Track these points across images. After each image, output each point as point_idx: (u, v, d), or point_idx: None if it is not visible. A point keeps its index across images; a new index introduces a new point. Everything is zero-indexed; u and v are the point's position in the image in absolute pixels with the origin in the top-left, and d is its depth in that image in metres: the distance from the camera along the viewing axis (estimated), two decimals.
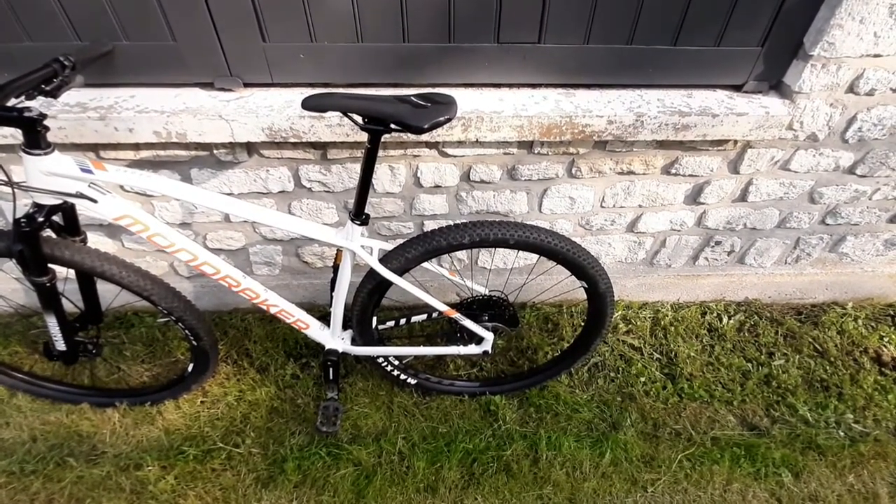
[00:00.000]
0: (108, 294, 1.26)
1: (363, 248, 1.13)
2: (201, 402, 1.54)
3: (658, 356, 1.75)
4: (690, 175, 1.49)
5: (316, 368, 1.64)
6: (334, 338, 1.38)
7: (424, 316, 1.43)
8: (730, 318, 1.87)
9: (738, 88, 1.38)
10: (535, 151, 1.40)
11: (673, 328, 1.82)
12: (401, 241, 1.17)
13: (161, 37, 1.16)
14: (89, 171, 0.94)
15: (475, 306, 1.35)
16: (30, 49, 1.18)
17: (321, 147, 1.34)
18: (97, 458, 1.39)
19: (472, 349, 1.36)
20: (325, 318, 1.39)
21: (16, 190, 0.91)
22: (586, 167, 1.45)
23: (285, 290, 1.69)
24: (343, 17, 1.16)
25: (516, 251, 1.68)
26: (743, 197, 1.58)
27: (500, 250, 1.69)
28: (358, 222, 1.08)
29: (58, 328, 1.18)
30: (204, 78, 1.25)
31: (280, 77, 1.26)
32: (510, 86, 1.36)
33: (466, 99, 1.29)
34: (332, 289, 1.29)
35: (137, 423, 1.48)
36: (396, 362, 1.49)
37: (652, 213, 1.61)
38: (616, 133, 1.30)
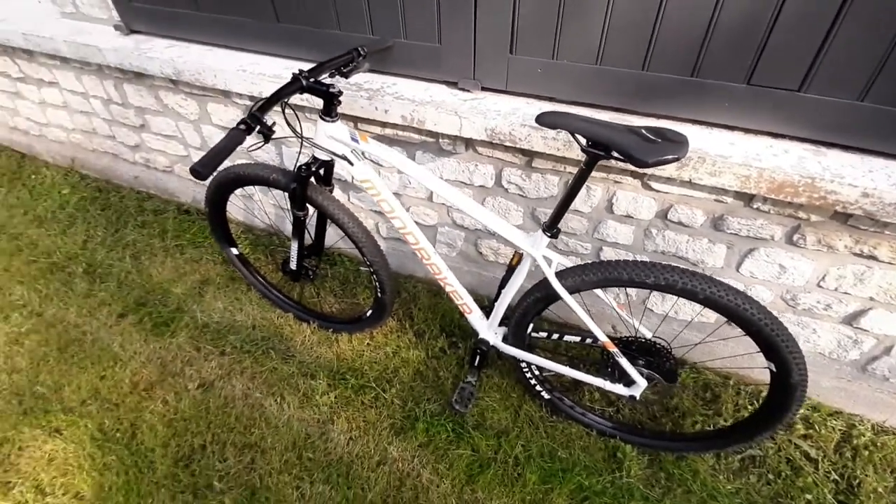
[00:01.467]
0: (332, 235, 1.57)
1: (544, 259, 1.19)
2: (367, 343, 1.81)
3: (836, 478, 1.45)
4: None
5: (462, 350, 1.78)
6: (489, 330, 1.48)
7: (578, 338, 1.43)
8: None
9: None
10: (754, 206, 1.27)
11: (867, 453, 1.48)
12: (576, 258, 1.20)
13: (431, 39, 1.38)
14: (356, 141, 1.19)
15: (634, 347, 1.31)
16: (335, 36, 1.52)
17: (529, 154, 1.44)
18: (288, 358, 1.76)
19: (620, 389, 1.33)
20: (485, 308, 1.50)
21: (304, 143, 1.20)
22: (813, 237, 1.26)
23: (455, 272, 1.86)
24: (590, 40, 1.22)
25: (701, 307, 1.55)
26: None
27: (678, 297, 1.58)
28: (549, 234, 1.15)
29: (297, 252, 1.53)
30: (451, 77, 1.45)
31: (513, 86, 1.39)
32: (746, 130, 1.26)
33: (692, 136, 1.23)
34: (501, 285, 1.39)
35: (320, 342, 1.82)
36: (537, 372, 1.53)
37: (885, 311, 1.32)
38: (869, 209, 1.11)
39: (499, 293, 1.42)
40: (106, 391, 1.65)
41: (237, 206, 2.27)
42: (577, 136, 1.00)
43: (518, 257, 1.36)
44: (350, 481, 1.43)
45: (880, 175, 1.11)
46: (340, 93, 1.13)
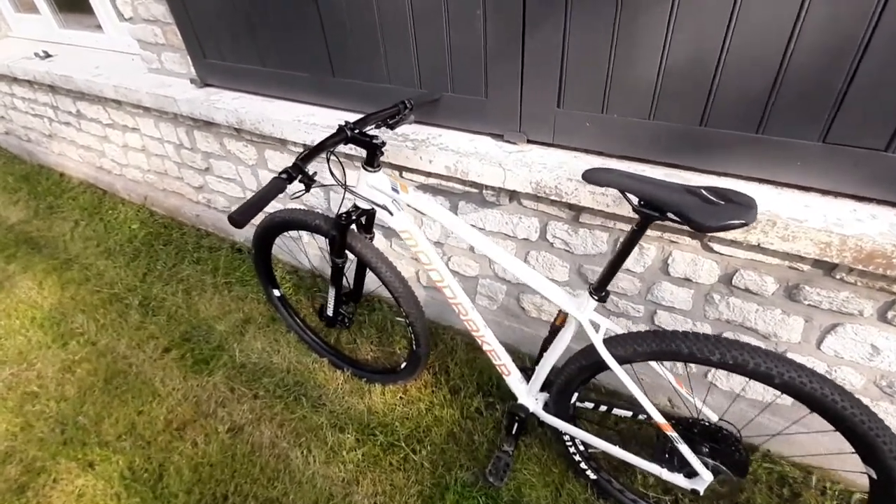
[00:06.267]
0: (373, 280, 1.54)
1: (591, 323, 1.09)
2: (400, 397, 1.74)
3: None
4: None
5: (500, 412, 1.66)
6: (529, 395, 1.37)
7: (630, 413, 1.28)
8: None
9: None
10: (837, 276, 1.12)
11: None
12: (627, 321, 1.09)
13: (477, 93, 1.38)
14: (397, 191, 1.18)
15: (696, 430, 1.14)
16: (386, 90, 1.56)
17: (576, 209, 1.36)
18: (319, 406, 1.71)
19: (679, 480, 1.16)
20: (525, 371, 1.40)
21: (347, 192, 1.20)
22: None
23: (495, 327, 1.78)
24: (641, 94, 1.17)
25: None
26: None
27: None
28: (596, 297, 1.05)
29: (334, 298, 1.51)
30: (496, 130, 1.43)
31: (560, 139, 1.34)
32: (823, 191, 1.13)
33: (759, 195, 1.12)
34: (544, 347, 1.29)
35: (353, 391, 1.77)
36: (581, 447, 1.39)
37: None
38: None
39: (540, 355, 1.32)
40: (141, 427, 1.67)
41: (284, 247, 2.33)
42: (627, 194, 0.93)
43: (562, 318, 1.27)
44: None
45: None
46: (383, 144, 1.13)
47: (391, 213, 1.21)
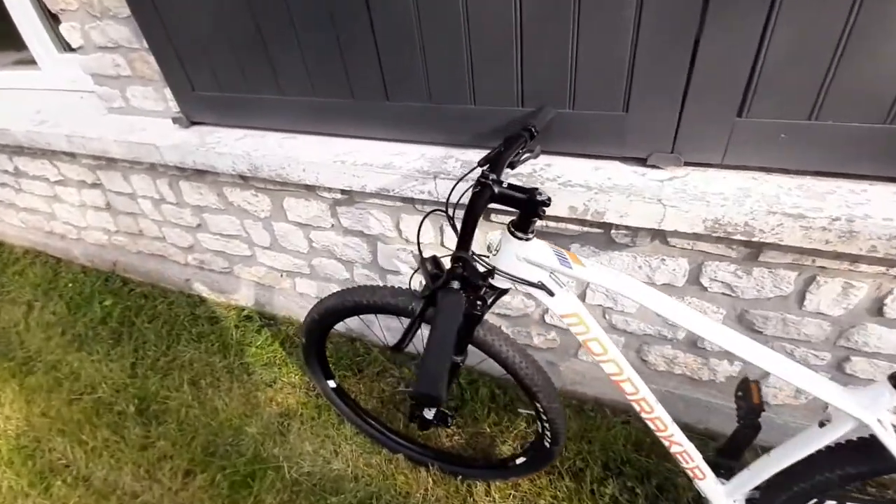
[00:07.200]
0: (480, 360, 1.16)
1: (879, 423, 0.76)
2: (511, 495, 1.37)
3: None
4: None
5: (642, 497, 1.32)
6: (727, 498, 1.03)
7: None
8: None
9: None
10: None
11: None
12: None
13: (613, 106, 1.03)
14: (567, 264, 0.81)
15: None
16: (466, 112, 1.18)
17: (755, 246, 1.04)
18: None
19: None
20: (716, 466, 1.06)
21: (495, 274, 0.81)
22: None
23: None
24: (879, 92, 0.85)
25: None
26: None
27: None
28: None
29: None
30: (635, 152, 1.09)
31: (733, 158, 1.02)
32: None
33: None
34: (746, 435, 0.97)
35: (448, 496, 1.38)
36: None
37: None
38: None
39: (737, 444, 1.00)
40: None
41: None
42: None
43: (755, 389, 0.96)
44: None
45: None
46: (548, 200, 0.75)
47: (551, 293, 0.84)
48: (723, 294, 1.16)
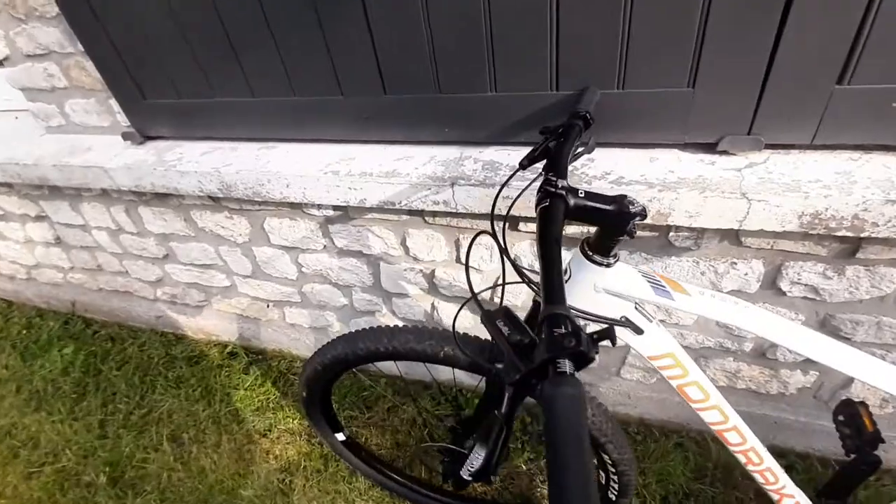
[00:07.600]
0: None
1: None
2: None
3: None
4: None
5: None
6: None
7: None
8: None
9: None
10: None
11: None
12: None
13: (676, 82, 0.83)
14: (666, 293, 0.60)
15: None
16: (486, 101, 0.97)
17: (852, 242, 0.86)
18: None
19: None
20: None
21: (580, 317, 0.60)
22: None
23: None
24: None
25: None
26: None
27: None
28: None
29: (483, 460, 0.90)
30: (703, 137, 0.89)
31: (827, 136, 0.83)
32: None
33: None
34: (853, 470, 0.78)
35: None
36: None
37: None
38: None
39: (847, 483, 0.81)
40: None
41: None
42: None
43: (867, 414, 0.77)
44: None
45: None
46: (643, 213, 0.54)
47: (639, 331, 0.63)
48: (804, 298, 0.98)
